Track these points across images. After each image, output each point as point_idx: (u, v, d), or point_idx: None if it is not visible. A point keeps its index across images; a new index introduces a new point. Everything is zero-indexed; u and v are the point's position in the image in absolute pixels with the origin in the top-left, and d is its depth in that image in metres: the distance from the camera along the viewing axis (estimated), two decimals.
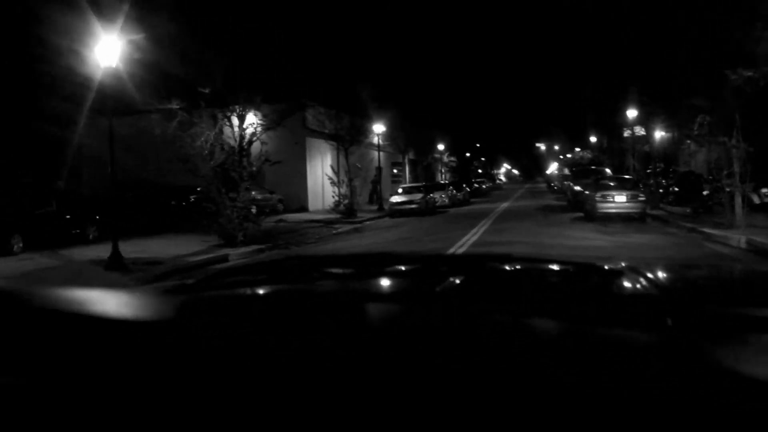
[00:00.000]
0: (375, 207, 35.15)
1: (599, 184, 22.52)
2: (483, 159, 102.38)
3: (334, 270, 2.08)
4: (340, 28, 55.95)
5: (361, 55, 44.73)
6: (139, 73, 16.70)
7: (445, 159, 63.16)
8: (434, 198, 34.26)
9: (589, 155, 62.25)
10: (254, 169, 19.30)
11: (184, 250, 17.43)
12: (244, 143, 19.21)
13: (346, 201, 29.53)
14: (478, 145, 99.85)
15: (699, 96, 18.75)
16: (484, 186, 65.06)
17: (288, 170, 33.91)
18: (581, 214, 24.40)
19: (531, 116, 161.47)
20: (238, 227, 18.54)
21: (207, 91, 17.60)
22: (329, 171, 30.41)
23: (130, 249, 17.46)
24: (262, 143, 19.90)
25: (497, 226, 21.31)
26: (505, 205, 37.34)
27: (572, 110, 71.99)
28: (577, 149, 73.82)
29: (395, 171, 55.45)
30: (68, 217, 19.84)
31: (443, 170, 66.67)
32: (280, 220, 26.34)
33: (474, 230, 20.15)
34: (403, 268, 2.08)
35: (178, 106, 17.58)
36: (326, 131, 30.67)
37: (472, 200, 47.19)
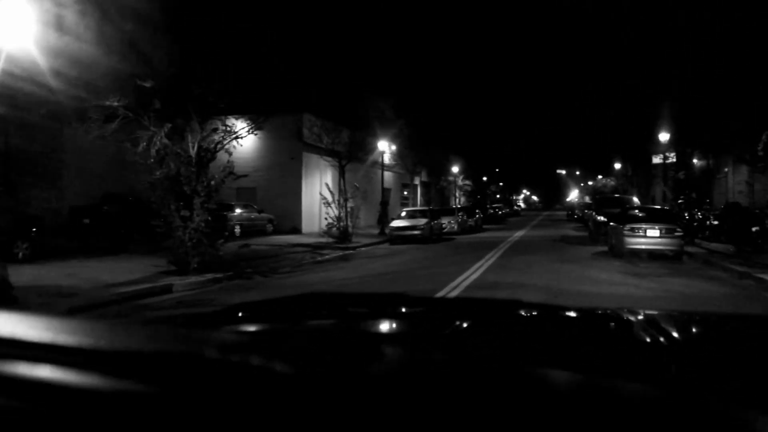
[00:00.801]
0: (377, 231, 31.99)
1: (628, 214, 19.25)
2: (501, 184, 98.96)
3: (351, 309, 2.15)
4: (353, 39, 53.11)
5: (372, 69, 41.88)
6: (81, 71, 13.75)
7: (460, 182, 59.90)
8: (440, 224, 31.05)
9: (613, 183, 58.81)
10: (213, 183, 16.11)
11: (123, 277, 14.42)
12: (204, 152, 15.99)
13: (341, 224, 26.41)
14: (497, 169, 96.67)
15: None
16: (500, 212, 61.69)
17: (281, 188, 31.00)
18: (605, 249, 21.20)
19: (553, 142, 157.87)
20: (191, 251, 15.44)
21: (148, 85, 14.50)
22: (325, 190, 27.31)
23: (56, 273, 14.56)
24: (228, 153, 16.75)
25: (505, 261, 18.08)
26: (519, 234, 34.03)
27: (596, 136, 68.73)
28: (600, 176, 70.32)
29: (405, 193, 52.32)
30: None
31: (457, 194, 63.48)
32: (245, 245, 23.06)
33: (478, 264, 16.96)
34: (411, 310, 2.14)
35: (118, 103, 14.50)
36: (324, 146, 27.62)
37: (486, 227, 43.91)
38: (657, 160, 34.49)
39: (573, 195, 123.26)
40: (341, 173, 27.15)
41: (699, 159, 35.11)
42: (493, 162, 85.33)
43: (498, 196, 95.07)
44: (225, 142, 16.94)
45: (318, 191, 31.28)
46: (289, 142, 30.40)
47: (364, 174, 35.90)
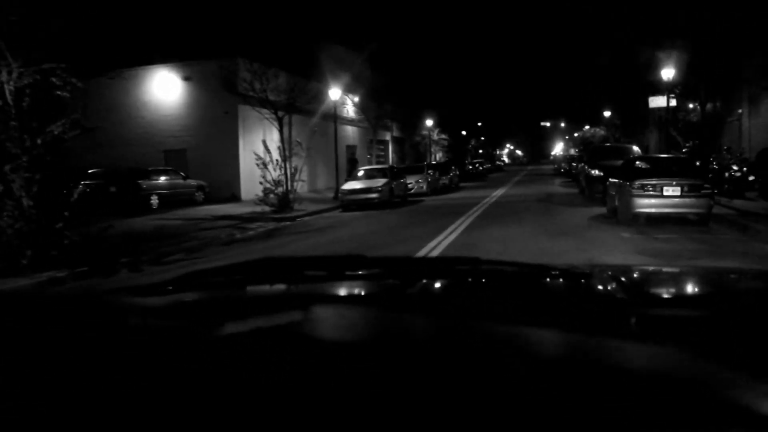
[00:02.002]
0: (332, 196, 27.28)
1: (635, 167, 14.62)
2: (483, 138, 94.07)
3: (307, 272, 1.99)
4: None
5: (328, 7, 36.59)
6: None
7: (435, 136, 54.98)
8: (404, 184, 26.29)
9: (603, 132, 54.11)
10: (40, 141, 11.21)
11: None
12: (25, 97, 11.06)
13: (280, 189, 21.63)
14: (479, 123, 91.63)
15: None
16: (481, 168, 56.92)
17: (216, 149, 26.10)
18: (602, 210, 16.72)
19: (537, 92, 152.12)
20: (15, 242, 10.69)
21: None
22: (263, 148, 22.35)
23: None
24: (66, 103, 11.84)
25: (475, 235, 13.42)
26: (499, 192, 29.39)
27: (582, 82, 63.77)
28: (587, 127, 65.52)
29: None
30: None
31: (434, 150, 58.57)
32: (162, 220, 18.13)
33: (433, 243, 12.28)
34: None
35: None
36: (256, 94, 22.60)
37: (463, 185, 39.23)
38: (655, 103, 29.65)
39: (558, 148, 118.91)
40: (280, 127, 22.20)
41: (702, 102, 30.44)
42: (474, 115, 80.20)
43: (480, 151, 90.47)
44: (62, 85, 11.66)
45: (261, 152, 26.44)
46: (224, 93, 25.39)
47: (319, 129, 31.01)
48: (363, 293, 1.83)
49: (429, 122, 50.89)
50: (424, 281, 1.88)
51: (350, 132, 41.11)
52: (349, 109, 38.53)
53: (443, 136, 57.53)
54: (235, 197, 25.74)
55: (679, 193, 12.92)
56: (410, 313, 1.25)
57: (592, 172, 20.76)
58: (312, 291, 1.83)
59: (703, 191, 12.90)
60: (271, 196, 21.53)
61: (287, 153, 21.71)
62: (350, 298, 1.69)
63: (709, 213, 13.14)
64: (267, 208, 21.29)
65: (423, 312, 1.29)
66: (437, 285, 1.89)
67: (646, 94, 35.07)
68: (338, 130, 38.15)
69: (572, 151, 65.65)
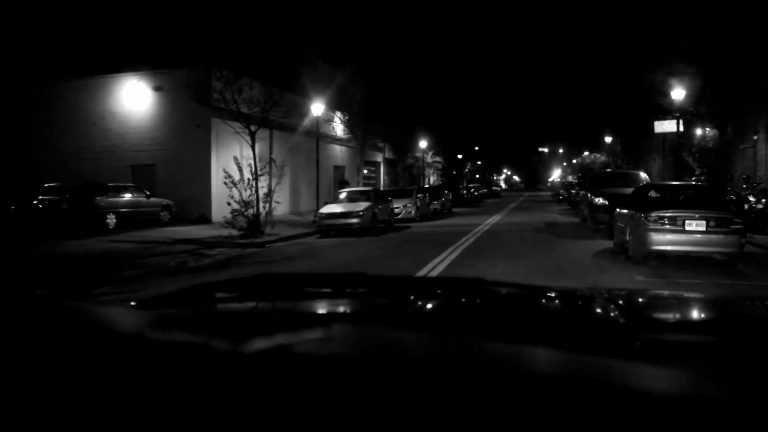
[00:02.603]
0: (312, 219, 25.12)
1: (649, 197, 12.54)
2: (479, 163, 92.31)
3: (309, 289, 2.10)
4: None
5: (316, 20, 34.66)
6: None
7: (429, 159, 52.94)
8: (390, 208, 24.19)
9: (603, 158, 52.17)
10: None
11: None
12: None
13: (250, 211, 19.49)
14: (476, 148, 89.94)
15: None
16: (476, 193, 54.84)
17: (186, 165, 24.00)
18: (608, 244, 14.67)
19: (535, 117, 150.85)
20: None
21: None
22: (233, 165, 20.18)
23: None
24: None
25: (460, 273, 11.28)
26: (493, 220, 27.28)
27: (582, 108, 62.15)
28: (586, 153, 63.63)
29: (365, 172, 45.27)
30: None
31: (429, 173, 56.58)
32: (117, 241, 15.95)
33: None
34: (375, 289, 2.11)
35: None
36: (225, 106, 20.50)
37: (456, 210, 37.17)
38: (661, 128, 27.70)
39: (555, 174, 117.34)
40: (252, 142, 20.08)
41: (712, 127, 28.53)
42: (470, 139, 78.59)
43: (477, 176, 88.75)
44: None
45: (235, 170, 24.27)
46: (197, 105, 23.29)
47: (303, 147, 28.97)
48: (365, 311, 1.80)
49: (423, 144, 48.90)
50: (425, 300, 1.88)
51: (338, 152, 39.11)
52: (338, 128, 36.54)
53: (438, 159, 55.53)
54: (204, 218, 23.59)
55: (704, 229, 10.81)
56: (410, 330, 1.22)
57: (596, 200, 18.66)
58: (313, 308, 1.85)
59: (733, 226, 10.79)
60: (240, 218, 19.40)
61: (258, 171, 19.54)
62: (352, 316, 1.68)
63: (740, 253, 11.03)
64: (235, 232, 19.17)
65: (424, 330, 1.25)
66: (439, 303, 1.89)
67: (650, 119, 33.27)
68: (325, 150, 36.26)
69: (570, 178, 64.02)
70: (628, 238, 12.33)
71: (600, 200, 18.41)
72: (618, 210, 14.21)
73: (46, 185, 21.31)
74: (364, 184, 39.42)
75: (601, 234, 17.19)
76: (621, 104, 42.37)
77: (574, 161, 77.86)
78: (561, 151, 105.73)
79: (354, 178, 38.56)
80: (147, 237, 18.72)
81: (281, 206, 30.15)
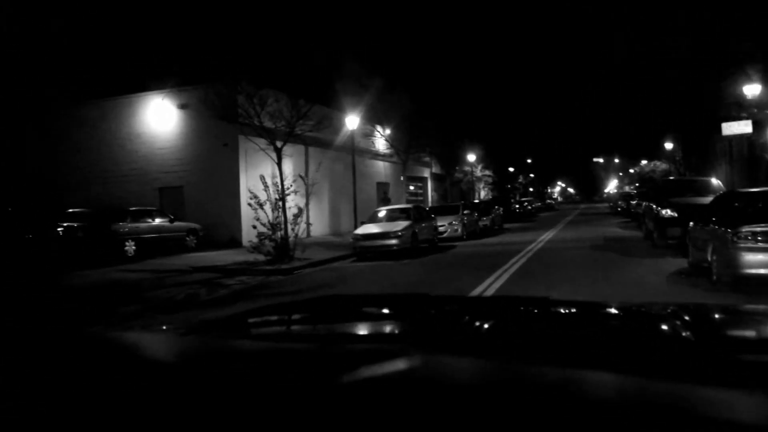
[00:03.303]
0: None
1: (736, 208, 10.34)
2: (532, 176, 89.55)
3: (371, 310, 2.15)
4: None
5: (356, 29, 33.15)
6: None
7: (478, 173, 50.74)
8: (433, 227, 22.27)
9: (665, 166, 49.19)
10: None
11: None
12: None
13: (279, 234, 17.86)
14: (528, 160, 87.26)
15: None
16: (529, 207, 52.35)
17: (214, 186, 22.55)
18: (681, 263, 12.58)
19: (589, 126, 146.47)
20: None
21: None
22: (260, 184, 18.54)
23: None
24: None
25: None
26: (548, 236, 25.08)
27: (639, 114, 59.29)
28: (644, 161, 60.49)
29: (411, 188, 43.47)
30: None
31: (480, 187, 54.38)
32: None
33: None
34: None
35: None
36: (246, 120, 18.94)
37: (508, 226, 34.96)
38: (730, 130, 25.09)
39: (613, 185, 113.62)
40: (278, 159, 18.45)
41: None
42: (522, 151, 76.07)
43: (531, 189, 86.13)
44: None
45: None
46: (224, 123, 21.81)
47: (339, 165, 27.34)
48: (427, 335, 1.76)
49: (471, 157, 46.85)
50: (485, 320, 1.88)
51: (382, 168, 37.36)
52: (380, 143, 34.84)
53: (488, 172, 53.28)
54: (235, 241, 22.07)
55: None
56: (472, 356, 1.24)
57: (663, 212, 16.43)
58: (377, 332, 1.84)
59: None
60: (267, 242, 17.79)
61: (286, 190, 17.92)
62: (416, 341, 1.64)
63: None
64: (261, 257, 17.59)
65: (485, 354, 1.27)
66: (499, 325, 1.87)
67: (716, 121, 30.65)
68: (367, 165, 34.61)
69: (627, 188, 61.21)
70: (710, 258, 10.17)
71: (668, 212, 16.19)
72: (693, 224, 12.05)
73: (69, 211, 20.08)
74: (411, 201, 37.63)
75: (671, 251, 15.01)
76: (682, 107, 39.70)
77: (631, 171, 74.55)
78: (617, 161, 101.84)
79: (399, 194, 36.78)
80: (165, 265, 17.25)
81: (319, 227, 28.65)
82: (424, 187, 46.38)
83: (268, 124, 19.06)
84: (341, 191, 28.59)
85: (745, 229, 8.99)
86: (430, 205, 38.24)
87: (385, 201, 34.70)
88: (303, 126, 19.07)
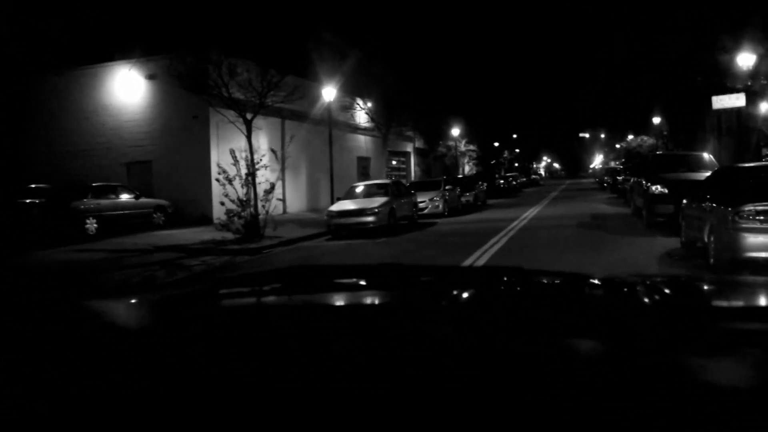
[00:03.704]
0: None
1: (737, 184, 9.46)
2: (517, 151, 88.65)
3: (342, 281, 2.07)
4: None
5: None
6: None
7: (463, 148, 49.79)
8: (413, 203, 21.36)
9: (652, 141, 48.47)
10: None
11: None
12: None
13: (248, 212, 16.90)
14: (514, 135, 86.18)
15: None
16: (514, 182, 51.56)
17: (184, 160, 21.49)
18: (673, 242, 11.89)
19: (574, 100, 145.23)
20: None
21: None
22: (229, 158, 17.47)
23: None
24: None
25: None
26: (533, 212, 24.25)
27: (625, 87, 58.25)
28: (630, 136, 59.72)
29: (394, 163, 42.49)
30: None
31: (464, 162, 53.47)
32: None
33: None
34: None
35: None
36: (214, 91, 17.84)
37: (492, 202, 34.13)
38: (721, 103, 24.24)
39: (598, 160, 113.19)
40: (248, 132, 17.41)
41: None
42: (507, 126, 74.91)
43: (516, 164, 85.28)
44: None
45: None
46: (194, 94, 20.62)
47: (319, 138, 26.26)
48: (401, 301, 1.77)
49: (455, 132, 45.84)
50: (467, 290, 1.85)
51: (363, 142, 36.29)
52: (362, 116, 33.75)
53: (472, 147, 52.33)
54: (206, 218, 21.01)
55: None
56: (449, 322, 1.24)
57: (653, 188, 15.54)
58: (350, 301, 1.81)
59: None
60: (236, 220, 16.83)
61: (256, 165, 16.92)
62: (390, 306, 1.65)
63: None
64: (230, 236, 16.63)
65: (463, 320, 1.28)
66: (480, 293, 1.83)
67: (705, 95, 29.83)
68: (347, 140, 33.55)
69: (613, 164, 60.77)
70: (707, 238, 9.34)
71: (659, 188, 15.31)
72: (687, 201, 11.22)
73: (29, 186, 18.93)
74: (393, 176, 36.68)
75: (661, 229, 14.20)
76: (671, 80, 38.85)
77: (618, 146, 73.78)
78: (603, 136, 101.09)
79: (381, 169, 35.79)
80: (127, 244, 16.24)
81: (297, 203, 27.66)
82: (407, 162, 45.40)
83: (237, 95, 18.02)
84: (319, 166, 27.53)
85: (748, 207, 8.13)
86: (413, 180, 37.32)
87: (365, 176, 33.76)
88: (274, 97, 18.00)
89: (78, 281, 11.27)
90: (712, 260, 9.02)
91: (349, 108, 31.17)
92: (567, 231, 16.17)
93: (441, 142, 46.50)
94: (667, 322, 1.27)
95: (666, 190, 15.07)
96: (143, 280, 11.62)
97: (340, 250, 15.19)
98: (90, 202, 18.28)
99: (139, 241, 16.91)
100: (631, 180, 20.87)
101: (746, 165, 11.23)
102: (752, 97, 23.94)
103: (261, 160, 16.96)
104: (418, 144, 45.99)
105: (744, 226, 8.09)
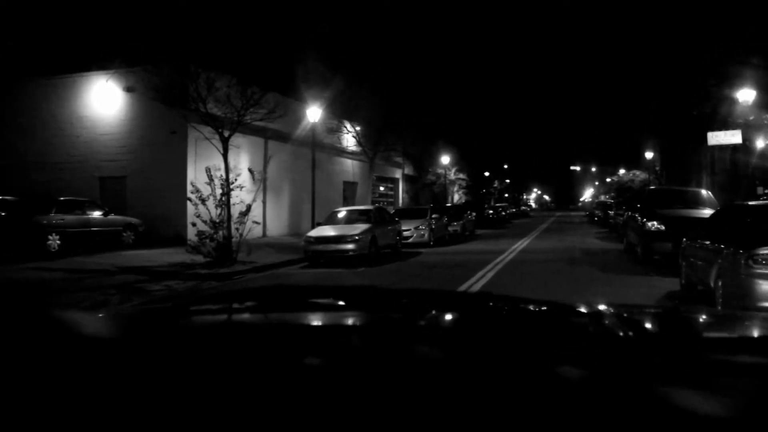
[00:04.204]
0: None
1: (748, 226, 8.57)
2: (507, 181, 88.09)
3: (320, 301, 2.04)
4: None
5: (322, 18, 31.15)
6: None
7: (452, 176, 49.04)
8: (397, 231, 20.46)
9: (644, 175, 47.89)
10: None
11: None
12: None
13: (220, 234, 15.93)
14: (504, 166, 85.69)
15: None
16: (503, 213, 50.78)
17: (160, 177, 20.54)
18: (672, 285, 11.05)
19: (566, 134, 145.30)
20: None
21: None
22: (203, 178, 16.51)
23: None
24: None
25: None
26: (521, 245, 23.36)
27: (617, 123, 57.91)
28: (622, 171, 59.22)
29: (381, 189, 41.62)
30: None
31: (454, 191, 52.66)
32: None
33: None
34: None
35: None
36: (185, 106, 16.97)
37: (481, 232, 33.24)
38: (717, 140, 23.53)
39: (588, 194, 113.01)
40: (224, 150, 16.48)
41: None
42: (498, 156, 74.36)
43: (506, 195, 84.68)
44: None
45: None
46: (172, 108, 19.68)
47: (302, 160, 25.34)
48: (372, 323, 1.72)
49: (445, 159, 45.08)
50: (434, 313, 1.83)
51: (350, 166, 35.44)
52: (348, 140, 32.89)
53: (462, 175, 51.57)
54: (180, 238, 19.92)
55: None
56: (418, 344, 1.22)
57: (650, 224, 14.72)
58: (325, 321, 1.78)
59: None
60: (208, 242, 15.85)
61: (230, 185, 15.97)
62: (360, 329, 1.60)
63: None
64: (201, 259, 15.63)
65: (431, 343, 1.25)
66: (448, 317, 1.80)
67: (699, 130, 29.24)
68: (334, 163, 32.71)
69: (603, 197, 60.46)
70: (712, 283, 8.44)
71: (656, 225, 14.51)
72: (689, 241, 10.35)
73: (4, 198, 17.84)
74: (379, 202, 35.80)
75: (657, 268, 13.37)
76: (664, 114, 38.38)
77: (608, 179, 73.34)
78: (594, 169, 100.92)
79: (367, 195, 34.88)
80: (88, 264, 15.19)
81: (278, 226, 26.68)
82: (395, 189, 44.56)
83: (215, 111, 17.13)
84: (303, 189, 26.57)
85: (764, 251, 7.25)
86: (401, 206, 36.46)
87: (348, 201, 32.95)
88: (254, 114, 17.10)
89: (17, 302, 10.21)
90: (719, 307, 8.11)
91: (335, 130, 30.33)
92: (557, 266, 15.28)
93: (430, 170, 45.72)
94: (650, 352, 1.23)
95: (663, 227, 14.29)
96: (93, 305, 10.59)
97: (315, 278, 14.22)
98: (54, 218, 17.22)
99: (103, 261, 15.87)
100: (625, 215, 20.05)
101: (758, 203, 10.39)
102: (749, 132, 23.29)
103: (236, 179, 16.00)
104: (407, 170, 45.22)
105: (758, 271, 7.20)
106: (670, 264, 12.22)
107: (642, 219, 15.48)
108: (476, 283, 12.45)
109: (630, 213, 18.51)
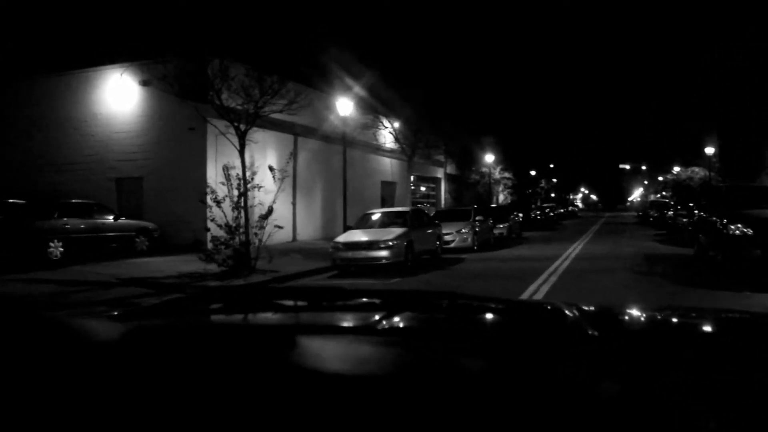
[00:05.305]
0: None
1: None
2: (554, 180, 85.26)
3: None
4: None
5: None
6: None
7: (497, 175, 46.78)
8: (437, 235, 18.51)
9: (704, 172, 44.94)
10: None
11: None
12: None
13: (238, 239, 14.21)
14: (551, 165, 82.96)
15: None
16: (552, 214, 48.24)
17: (178, 177, 18.92)
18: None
19: (615, 131, 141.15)
20: None
21: None
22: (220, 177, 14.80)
23: None
24: None
25: None
26: (574, 250, 21.13)
27: (671, 118, 55.02)
28: (677, 168, 56.11)
29: (423, 189, 39.65)
30: None
31: (498, 191, 50.38)
32: None
33: None
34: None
35: None
36: (205, 99, 15.26)
37: (528, 235, 31.06)
38: None
39: (638, 193, 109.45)
40: (241, 147, 14.75)
41: None
42: (546, 155, 71.87)
43: (553, 195, 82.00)
44: None
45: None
46: (191, 103, 18.00)
47: (336, 159, 23.51)
48: (342, 324, 1.70)
49: (490, 158, 42.88)
50: (400, 313, 1.77)
51: (388, 165, 33.55)
52: (387, 137, 31.01)
53: (507, 174, 49.24)
54: (199, 244, 18.25)
55: None
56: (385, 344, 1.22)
57: (733, 227, 12.45)
58: (291, 321, 1.75)
59: None
60: (223, 249, 14.13)
61: (248, 185, 14.23)
62: (328, 329, 1.56)
63: None
64: (215, 268, 13.90)
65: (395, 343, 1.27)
66: (412, 317, 1.78)
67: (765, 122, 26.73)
68: (370, 161, 30.84)
69: (653, 197, 57.90)
70: None
71: (741, 228, 12.23)
72: None
73: (9, 201, 16.46)
74: (420, 203, 33.91)
75: (747, 280, 11.12)
76: (726, 110, 35.79)
77: (660, 178, 70.04)
78: (644, 168, 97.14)
79: (406, 195, 32.93)
80: (89, 274, 13.57)
81: (310, 230, 24.89)
82: (437, 189, 42.56)
83: (231, 103, 15.42)
84: (337, 189, 24.76)
85: None
86: (443, 207, 34.45)
87: (385, 202, 31.20)
88: (273, 106, 15.32)
89: None
90: None
91: (371, 126, 28.46)
92: (623, 277, 13.11)
93: (474, 168, 43.59)
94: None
95: (751, 231, 12.00)
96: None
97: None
98: (56, 222, 15.71)
99: (106, 270, 14.23)
100: (696, 215, 17.68)
101: None
102: None
103: (253, 178, 14.24)
104: (450, 169, 43.20)
105: None
106: (760, 274, 10.16)
107: (722, 221, 13.20)
108: (531, 297, 10.43)
109: (702, 214, 16.18)
